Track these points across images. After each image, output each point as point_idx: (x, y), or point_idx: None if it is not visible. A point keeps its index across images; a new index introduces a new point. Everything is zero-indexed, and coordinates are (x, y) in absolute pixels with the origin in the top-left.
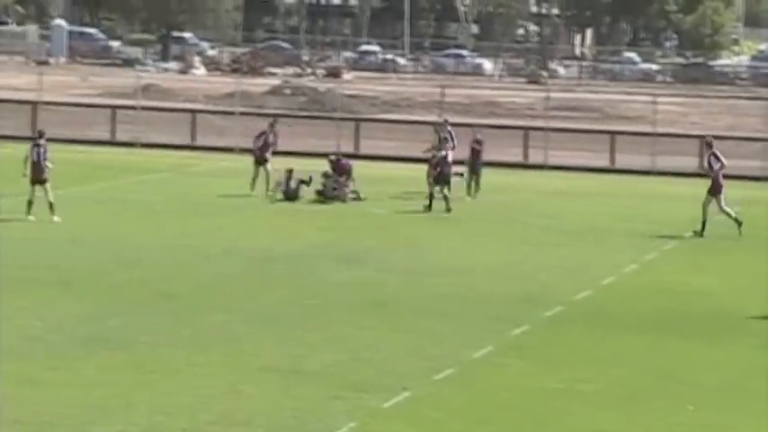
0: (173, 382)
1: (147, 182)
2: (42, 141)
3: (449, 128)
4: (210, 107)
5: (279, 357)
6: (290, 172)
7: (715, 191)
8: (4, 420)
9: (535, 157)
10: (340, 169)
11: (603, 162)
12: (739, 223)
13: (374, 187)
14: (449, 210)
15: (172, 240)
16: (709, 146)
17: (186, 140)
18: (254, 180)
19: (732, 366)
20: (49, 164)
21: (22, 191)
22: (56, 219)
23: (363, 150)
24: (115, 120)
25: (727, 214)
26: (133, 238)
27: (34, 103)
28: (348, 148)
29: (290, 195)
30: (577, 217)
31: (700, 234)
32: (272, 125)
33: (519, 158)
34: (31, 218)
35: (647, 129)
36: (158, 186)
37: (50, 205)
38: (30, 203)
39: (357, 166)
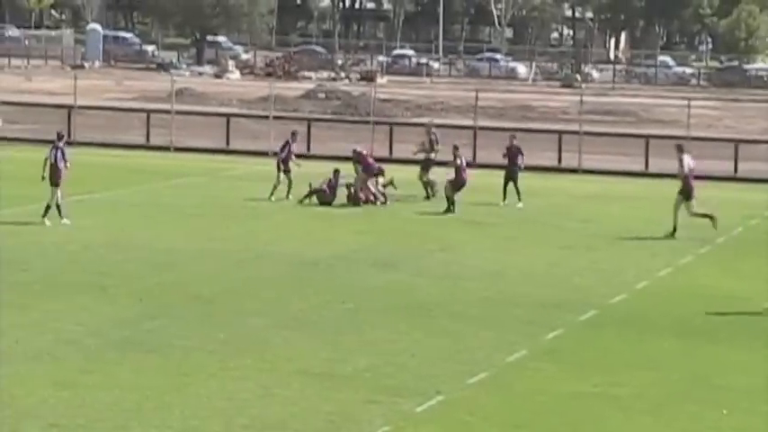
0: (207, 385)
1: (181, 186)
2: (61, 144)
3: (433, 130)
4: (245, 111)
5: (313, 361)
6: (336, 172)
7: (687, 194)
8: (41, 424)
9: (569, 160)
10: (366, 165)
11: (638, 166)
12: (713, 220)
13: (408, 191)
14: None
15: (205, 244)
16: (680, 150)
17: (220, 144)
18: (274, 188)
19: (766, 370)
20: (65, 165)
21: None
22: (65, 221)
23: (397, 154)
24: (149, 124)
25: (700, 215)
26: (167, 241)
27: (69, 108)
28: (382, 151)
29: (326, 200)
30: (612, 221)
31: (671, 235)
32: (294, 135)
33: (553, 162)
34: (48, 222)
35: (682, 132)
36: (192, 190)
37: (58, 207)
38: (47, 208)
39: (391, 170)
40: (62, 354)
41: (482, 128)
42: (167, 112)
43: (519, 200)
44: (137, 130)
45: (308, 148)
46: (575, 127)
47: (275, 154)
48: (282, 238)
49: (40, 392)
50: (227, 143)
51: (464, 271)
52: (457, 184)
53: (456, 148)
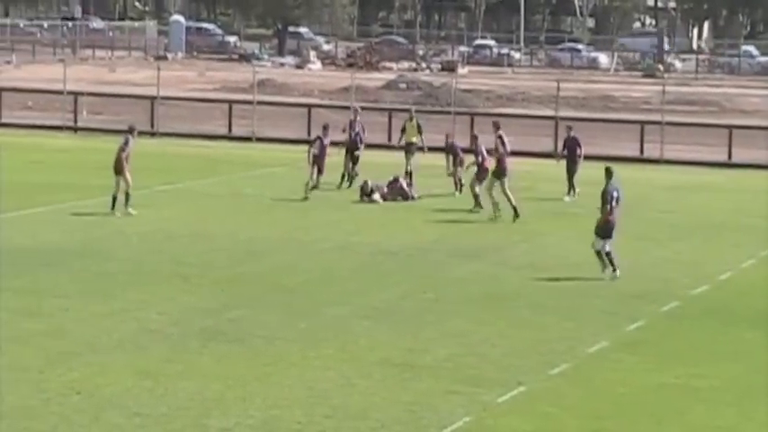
0: (288, 375)
1: (262, 176)
2: (130, 136)
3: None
4: (326, 102)
5: (394, 351)
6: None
7: (500, 173)
8: (124, 413)
9: (651, 151)
10: (457, 155)
11: (721, 156)
12: (516, 213)
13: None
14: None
15: (286, 234)
16: (497, 127)
17: (302, 135)
18: (307, 186)
19: None
20: (124, 155)
21: (143, 184)
22: (131, 210)
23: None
24: (231, 114)
25: (509, 199)
26: (249, 231)
27: (152, 98)
28: (463, 142)
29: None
30: (694, 211)
31: (474, 209)
32: (325, 129)
33: (635, 153)
34: (117, 213)
35: (766, 123)
36: (274, 180)
37: (126, 196)
38: (127, 196)
39: (473, 161)
40: (145, 343)
41: (563, 118)
42: (249, 102)
43: (568, 192)
44: (219, 121)
45: (389, 138)
46: (656, 117)
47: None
48: (362, 228)
49: (123, 381)
50: (309, 134)
51: (545, 261)
52: (499, 172)
53: (475, 137)
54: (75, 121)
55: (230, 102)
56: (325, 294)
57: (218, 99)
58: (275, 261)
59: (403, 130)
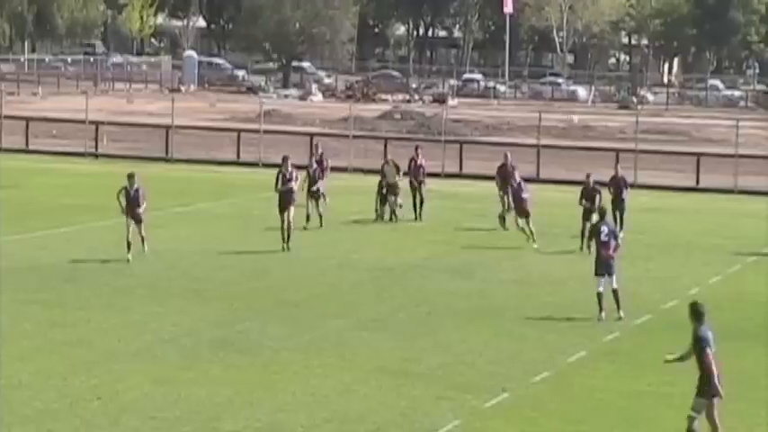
0: (292, 382)
1: (268, 198)
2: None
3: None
4: (327, 130)
5: (390, 360)
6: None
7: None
8: (141, 416)
9: (626, 176)
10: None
11: (690, 181)
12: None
13: (477, 204)
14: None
15: (291, 252)
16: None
17: (305, 161)
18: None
19: None
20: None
21: (159, 206)
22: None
23: (467, 170)
24: (240, 142)
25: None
26: (256, 250)
27: (167, 127)
28: (453, 168)
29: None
30: (665, 232)
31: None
32: (317, 148)
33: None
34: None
35: (731, 151)
36: None
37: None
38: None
39: (461, 185)
40: (160, 352)
41: (545, 146)
42: (256, 131)
43: (621, 229)
44: (228, 148)
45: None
46: (631, 145)
47: (356, 170)
48: (361, 247)
49: (140, 388)
50: (311, 160)
51: (529, 278)
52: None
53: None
54: (96, 148)
55: (239, 130)
56: (326, 308)
57: (227, 128)
58: (281, 277)
59: (382, 174)
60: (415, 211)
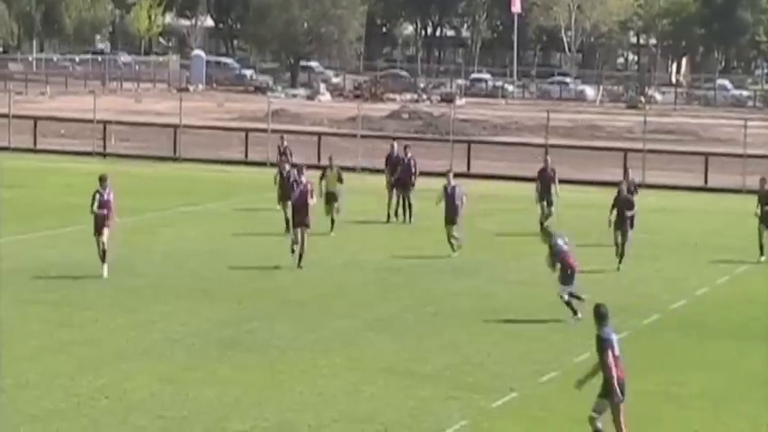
0: (300, 382)
1: (276, 198)
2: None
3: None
4: (335, 130)
5: (397, 360)
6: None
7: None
8: (148, 415)
9: (634, 176)
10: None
11: (697, 181)
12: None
13: (485, 204)
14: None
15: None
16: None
17: (313, 161)
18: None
19: None
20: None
21: (166, 206)
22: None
23: (474, 170)
24: (248, 141)
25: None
26: (264, 250)
27: (175, 127)
28: (461, 167)
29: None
30: (673, 232)
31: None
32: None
33: (618, 178)
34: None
35: (738, 150)
36: None
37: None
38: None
39: (469, 185)
40: (168, 352)
41: (553, 145)
42: (264, 131)
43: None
44: (236, 148)
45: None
46: (639, 145)
47: (363, 170)
48: (368, 247)
49: (148, 387)
50: (319, 159)
51: (535, 278)
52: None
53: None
54: (104, 148)
55: (247, 130)
56: (333, 308)
57: (235, 128)
58: (288, 277)
59: (322, 178)
60: (404, 214)
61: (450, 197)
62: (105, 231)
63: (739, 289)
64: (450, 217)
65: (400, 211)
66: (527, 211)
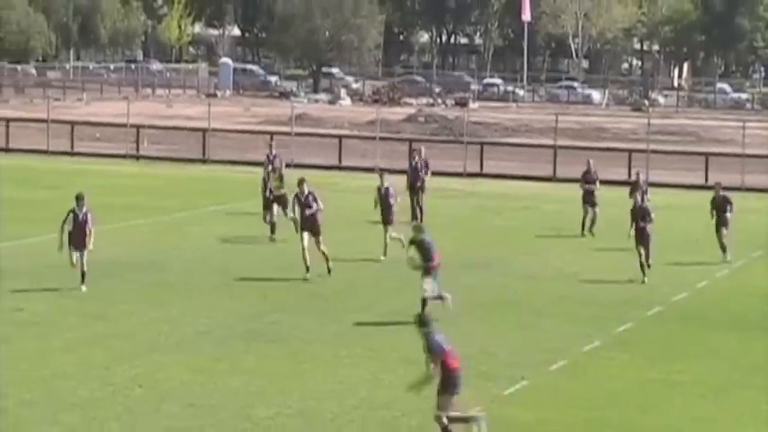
0: (322, 371)
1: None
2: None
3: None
4: (355, 133)
5: (415, 350)
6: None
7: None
8: (179, 404)
9: (644, 178)
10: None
11: (699, 180)
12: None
13: (497, 202)
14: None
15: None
16: None
17: (334, 162)
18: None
19: None
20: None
21: (196, 205)
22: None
23: (487, 170)
24: (273, 144)
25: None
26: (288, 246)
27: (204, 130)
28: (474, 168)
29: None
30: (675, 228)
31: None
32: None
33: (624, 177)
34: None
35: (737, 150)
36: None
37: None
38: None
39: (482, 183)
40: (197, 344)
41: (561, 147)
42: (288, 134)
43: (724, 253)
44: (262, 150)
45: (409, 164)
46: (643, 146)
47: (382, 170)
48: (380, 244)
49: (178, 377)
50: (340, 161)
51: (545, 272)
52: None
53: None
54: (138, 151)
55: (271, 133)
56: (353, 301)
57: (261, 131)
58: (311, 272)
59: (265, 181)
60: (415, 217)
61: (384, 198)
62: (85, 251)
63: (738, 282)
64: (387, 218)
65: (418, 212)
66: (537, 209)
